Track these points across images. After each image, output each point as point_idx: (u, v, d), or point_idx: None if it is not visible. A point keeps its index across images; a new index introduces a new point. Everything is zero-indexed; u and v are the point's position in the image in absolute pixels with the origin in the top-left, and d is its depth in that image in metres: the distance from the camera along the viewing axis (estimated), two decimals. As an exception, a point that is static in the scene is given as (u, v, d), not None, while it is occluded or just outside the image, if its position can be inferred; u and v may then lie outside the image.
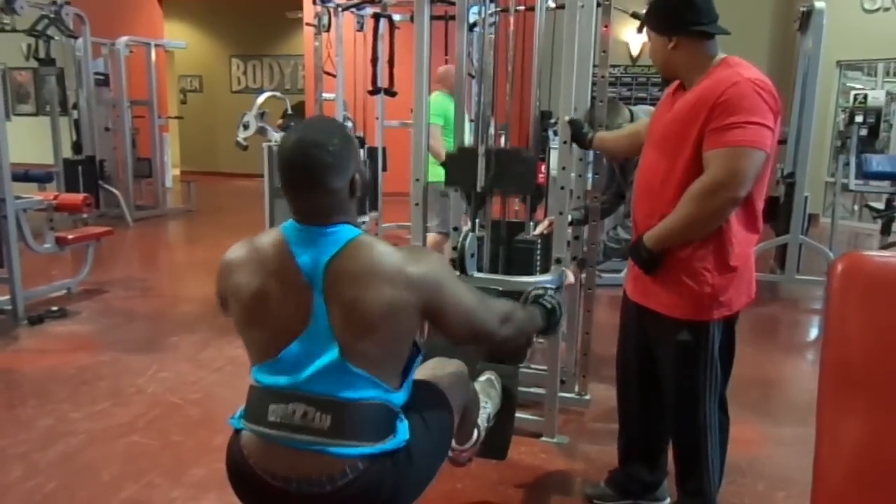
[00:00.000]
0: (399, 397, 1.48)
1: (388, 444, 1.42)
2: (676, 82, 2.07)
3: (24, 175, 6.61)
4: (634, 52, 9.68)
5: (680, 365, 2.04)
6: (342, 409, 1.39)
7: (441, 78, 4.74)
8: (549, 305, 1.87)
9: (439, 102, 4.45)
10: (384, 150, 6.52)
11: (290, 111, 7.61)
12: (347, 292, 1.38)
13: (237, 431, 1.50)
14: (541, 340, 3.45)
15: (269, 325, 1.43)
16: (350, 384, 1.39)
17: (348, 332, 1.38)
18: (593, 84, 3.04)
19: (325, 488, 1.38)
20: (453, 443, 1.81)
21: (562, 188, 2.77)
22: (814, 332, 4.84)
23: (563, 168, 2.76)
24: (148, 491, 2.50)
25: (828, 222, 6.27)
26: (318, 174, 1.39)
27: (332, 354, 1.39)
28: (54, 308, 4.51)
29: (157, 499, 2.46)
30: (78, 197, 5.04)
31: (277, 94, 7.42)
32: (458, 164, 2.75)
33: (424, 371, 1.75)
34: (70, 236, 4.91)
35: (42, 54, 6.82)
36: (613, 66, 3.11)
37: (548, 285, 1.92)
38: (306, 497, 1.40)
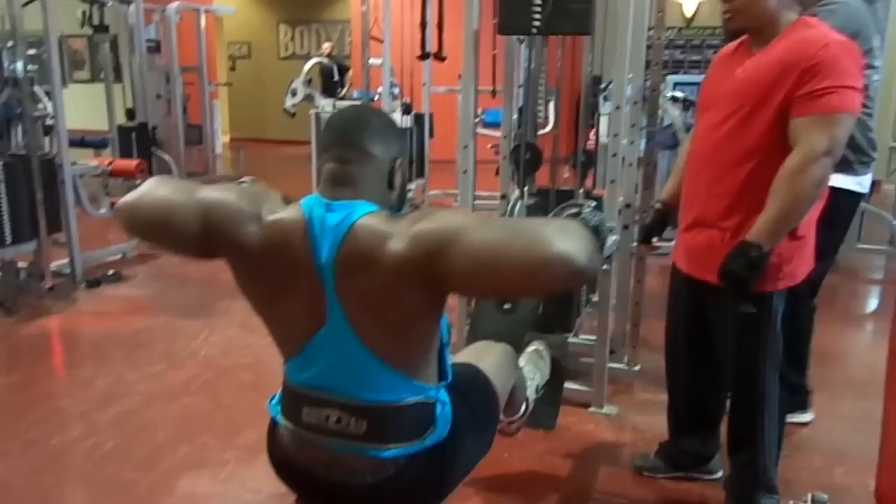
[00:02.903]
0: (436, 389, 1.40)
1: (428, 440, 1.36)
2: (736, 42, 1.97)
3: (80, 141, 6.78)
4: (688, 14, 9.35)
5: (741, 337, 1.98)
6: (377, 413, 1.32)
7: None
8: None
9: None
10: (431, 116, 6.48)
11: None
12: (356, 285, 1.24)
13: (275, 420, 1.45)
14: (589, 309, 3.41)
15: (290, 319, 1.36)
16: (381, 385, 1.31)
17: (365, 329, 1.26)
18: (648, 47, 2.94)
19: (367, 479, 1.34)
20: (501, 415, 1.79)
21: (613, 155, 2.71)
22: (874, 304, 4.68)
23: (615, 135, 2.69)
24: (202, 452, 2.57)
25: (891, 189, 6.01)
26: (361, 133, 1.31)
27: (356, 353, 1.28)
28: (110, 272, 4.64)
29: (211, 460, 2.52)
30: (132, 163, 5.13)
31: (324, 60, 7.42)
32: (513, 7, 2.59)
33: (469, 355, 1.72)
34: (124, 202, 5.00)
35: (96, 21, 6.92)
36: (667, 29, 3.00)
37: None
38: (348, 487, 1.36)
